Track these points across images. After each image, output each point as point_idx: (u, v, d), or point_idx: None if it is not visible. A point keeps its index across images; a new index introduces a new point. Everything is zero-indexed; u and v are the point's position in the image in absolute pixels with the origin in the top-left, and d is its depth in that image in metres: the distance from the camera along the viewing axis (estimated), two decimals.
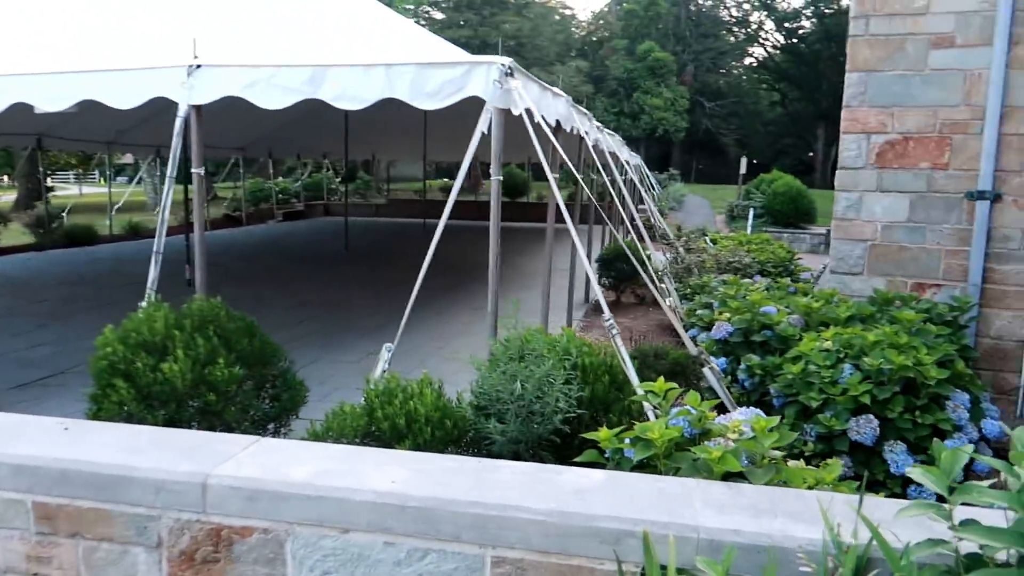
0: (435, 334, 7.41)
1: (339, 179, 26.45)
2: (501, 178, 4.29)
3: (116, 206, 16.79)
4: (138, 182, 22.23)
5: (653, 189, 16.95)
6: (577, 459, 2.73)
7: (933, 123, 6.16)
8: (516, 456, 3.13)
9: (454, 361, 6.39)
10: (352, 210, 21.46)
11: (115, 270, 11.90)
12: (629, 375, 3.40)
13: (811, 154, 50.94)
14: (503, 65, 4.21)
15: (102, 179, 49.03)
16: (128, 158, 33.47)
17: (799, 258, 9.20)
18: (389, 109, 4.59)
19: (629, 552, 2.00)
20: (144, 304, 4.30)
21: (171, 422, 3.45)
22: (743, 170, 21.93)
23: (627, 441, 2.61)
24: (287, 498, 2.16)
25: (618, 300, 9.46)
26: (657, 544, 1.97)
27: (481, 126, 4.15)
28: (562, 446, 3.23)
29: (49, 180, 23.41)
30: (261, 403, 3.80)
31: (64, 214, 15.73)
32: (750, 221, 18.48)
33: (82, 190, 35.23)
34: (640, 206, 19.82)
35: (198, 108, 4.58)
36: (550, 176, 4.41)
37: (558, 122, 5.66)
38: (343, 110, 4.61)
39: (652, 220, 12.42)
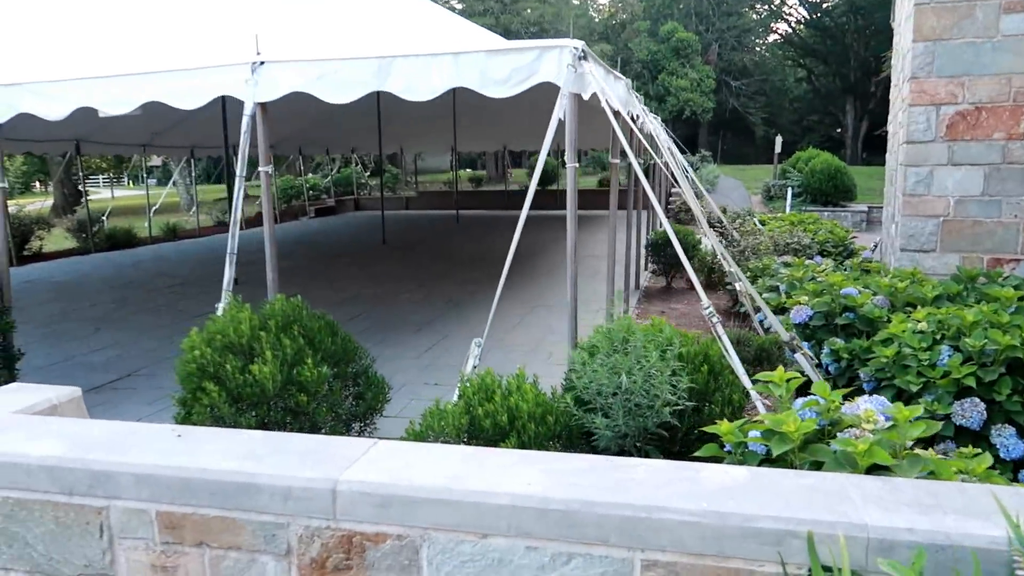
0: (492, 327, 7.32)
1: (368, 173, 26.48)
2: (577, 165, 4.18)
3: (154, 208, 16.91)
4: (173, 184, 22.39)
5: (687, 171, 16.74)
6: (697, 453, 2.63)
7: (1007, 91, 5.94)
8: (622, 451, 3.05)
9: (515, 351, 6.30)
10: (385, 203, 21.44)
11: (160, 272, 11.98)
12: (733, 364, 3.29)
13: (839, 130, 50.03)
14: (576, 48, 4.09)
15: (130, 182, 49.61)
16: (156, 160, 33.82)
17: (854, 237, 8.99)
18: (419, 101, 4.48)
19: (790, 553, 1.90)
20: (221, 306, 4.27)
21: (263, 424, 3.41)
22: (778, 149, 21.52)
23: (752, 435, 2.51)
24: (421, 503, 2.09)
25: (669, 286, 9.32)
26: (821, 545, 1.87)
27: (557, 113, 4.04)
28: (668, 440, 3.14)
29: (85, 185, 23.66)
30: (345, 402, 3.74)
31: (104, 218, 15.86)
32: (789, 200, 18.15)
33: (114, 193, 35.62)
34: (674, 189, 19.55)
35: (263, 106, 4.51)
36: (634, 162, 4.29)
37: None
38: (371, 104, 4.50)
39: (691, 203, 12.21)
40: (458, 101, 13.34)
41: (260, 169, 4.57)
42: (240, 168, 4.43)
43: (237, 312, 3.62)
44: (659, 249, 9.06)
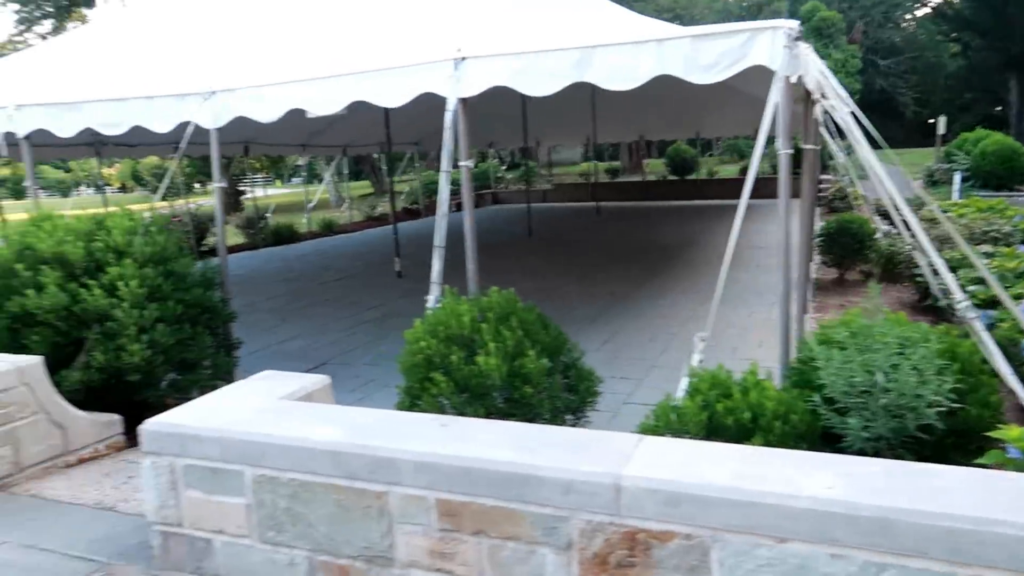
0: (666, 320, 7.20)
1: (504, 167, 26.83)
2: (791, 151, 3.99)
3: (311, 205, 17.82)
4: (324, 183, 23.55)
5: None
6: (981, 460, 2.43)
7: None
8: (876, 454, 2.86)
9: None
10: (521, 197, 21.66)
11: (324, 265, 12.60)
12: (995, 364, 3.03)
13: (999, 108, 45.89)
14: (791, 29, 3.90)
15: (278, 181, 52.65)
16: (302, 160, 35.78)
17: None
18: (559, 93, 4.38)
19: None
20: (432, 298, 4.40)
21: (488, 415, 3.46)
22: (941, 130, 19.98)
23: None
24: (711, 502, 2.03)
25: (842, 278, 8.83)
26: None
27: (774, 98, 3.86)
28: (923, 443, 2.93)
29: (242, 185, 25.37)
30: (561, 394, 3.75)
31: (269, 215, 16.87)
32: (956, 186, 16.78)
33: (267, 192, 37.92)
34: (823, 176, 18.55)
35: (464, 101, 4.59)
36: (865, 151, 4.04)
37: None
38: (512, 99, 4.44)
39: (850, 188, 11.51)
40: (596, 91, 13.15)
41: (460, 164, 4.68)
42: (444, 163, 4.54)
43: (456, 304, 3.70)
44: (832, 239, 8.60)
